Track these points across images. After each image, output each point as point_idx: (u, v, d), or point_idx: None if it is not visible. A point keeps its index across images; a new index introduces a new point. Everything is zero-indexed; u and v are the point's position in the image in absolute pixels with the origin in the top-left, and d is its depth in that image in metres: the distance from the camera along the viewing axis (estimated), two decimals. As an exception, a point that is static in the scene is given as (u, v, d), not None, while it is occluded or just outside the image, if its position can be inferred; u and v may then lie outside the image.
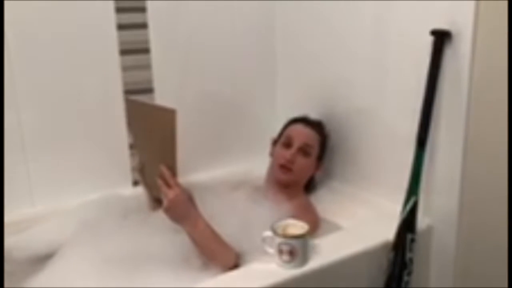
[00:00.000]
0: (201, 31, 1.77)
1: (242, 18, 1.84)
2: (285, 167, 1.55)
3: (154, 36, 1.68)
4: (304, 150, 1.57)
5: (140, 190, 1.62)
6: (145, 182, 1.52)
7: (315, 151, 1.60)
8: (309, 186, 1.68)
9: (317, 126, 1.64)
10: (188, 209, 1.26)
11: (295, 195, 1.57)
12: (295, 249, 1.17)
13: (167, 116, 1.19)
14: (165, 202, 1.25)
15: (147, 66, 1.69)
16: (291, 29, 1.85)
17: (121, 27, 1.62)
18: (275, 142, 1.66)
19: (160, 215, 1.28)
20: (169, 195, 1.24)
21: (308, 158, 1.58)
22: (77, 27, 1.56)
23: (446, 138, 1.35)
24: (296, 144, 1.57)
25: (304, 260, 1.20)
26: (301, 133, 1.60)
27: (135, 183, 1.74)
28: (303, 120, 1.65)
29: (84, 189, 1.63)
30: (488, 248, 1.32)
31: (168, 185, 1.25)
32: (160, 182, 1.26)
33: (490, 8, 1.21)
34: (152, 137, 1.34)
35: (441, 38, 1.29)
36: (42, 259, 1.37)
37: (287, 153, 1.56)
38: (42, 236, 1.48)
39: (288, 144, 1.58)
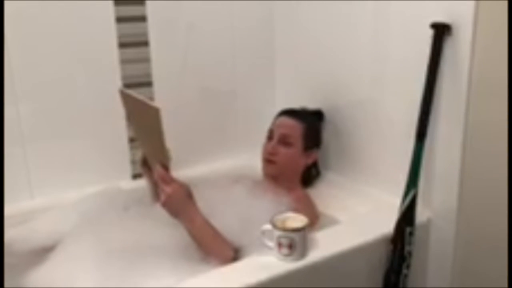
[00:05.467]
0: (200, 24, 1.77)
1: (242, 11, 1.83)
2: (268, 160, 1.58)
3: (153, 29, 1.67)
4: (283, 141, 1.57)
5: (140, 182, 1.63)
6: (148, 169, 1.51)
7: (296, 140, 1.58)
8: (307, 180, 1.68)
9: (300, 115, 1.62)
10: (185, 204, 1.27)
11: (293, 188, 1.57)
12: (295, 242, 1.18)
13: (152, 113, 1.19)
14: (162, 197, 1.25)
15: (146, 59, 1.69)
16: (290, 22, 1.84)
17: (120, 20, 1.61)
18: None
19: (160, 208, 1.28)
20: (166, 190, 1.24)
21: (290, 148, 1.57)
22: (76, 20, 1.55)
23: (446, 131, 1.35)
24: (276, 135, 1.58)
25: (303, 253, 1.21)
26: (281, 125, 1.60)
27: (135, 176, 1.74)
28: (287, 112, 1.65)
29: (83, 182, 1.63)
30: (487, 241, 1.33)
31: (165, 181, 1.25)
32: (157, 177, 1.27)
33: (490, 1, 1.20)
34: (144, 130, 1.35)
35: (441, 31, 1.28)
36: (42, 252, 1.37)
37: (269, 146, 1.58)
38: (42, 228, 1.48)
39: (270, 137, 1.60)
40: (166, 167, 1.27)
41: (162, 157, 1.26)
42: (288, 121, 1.61)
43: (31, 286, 1.24)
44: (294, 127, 1.59)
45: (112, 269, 1.24)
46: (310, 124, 1.63)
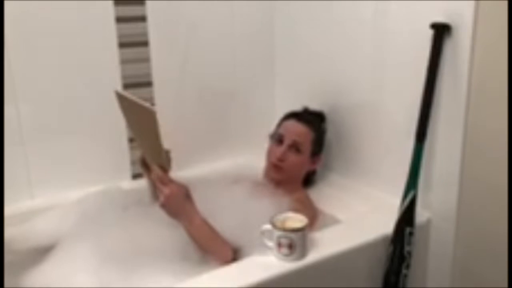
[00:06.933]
0: (200, 24, 1.77)
1: (242, 12, 1.83)
2: (276, 166, 1.55)
3: (153, 29, 1.67)
4: (295, 147, 1.56)
5: (140, 183, 1.63)
6: (147, 169, 1.51)
7: (306, 148, 1.58)
8: (308, 181, 1.68)
9: (310, 121, 1.61)
10: (184, 205, 1.27)
11: (293, 189, 1.57)
12: (294, 242, 1.18)
13: (149, 115, 1.18)
14: (161, 198, 1.25)
15: (146, 59, 1.69)
16: (290, 23, 1.84)
17: (120, 20, 1.61)
18: (272, 137, 1.65)
19: (159, 209, 1.28)
20: (164, 191, 1.24)
21: (299, 155, 1.56)
22: (76, 20, 1.55)
23: (446, 132, 1.35)
24: (286, 141, 1.56)
25: (303, 253, 1.21)
26: (292, 130, 1.58)
27: (135, 176, 1.74)
28: (297, 116, 1.63)
29: (83, 182, 1.63)
30: (486, 242, 1.33)
31: (163, 182, 1.25)
32: (155, 179, 1.27)
33: (490, 1, 1.20)
34: (142, 131, 1.34)
35: (440, 32, 1.28)
36: (41, 252, 1.37)
37: (278, 151, 1.56)
38: (42, 228, 1.47)
39: (279, 141, 1.58)
40: (164, 169, 1.27)
41: (160, 159, 1.26)
42: (300, 127, 1.59)
43: (29, 286, 1.24)
44: (306, 134, 1.58)
45: (110, 269, 1.24)
46: (319, 131, 1.63)
